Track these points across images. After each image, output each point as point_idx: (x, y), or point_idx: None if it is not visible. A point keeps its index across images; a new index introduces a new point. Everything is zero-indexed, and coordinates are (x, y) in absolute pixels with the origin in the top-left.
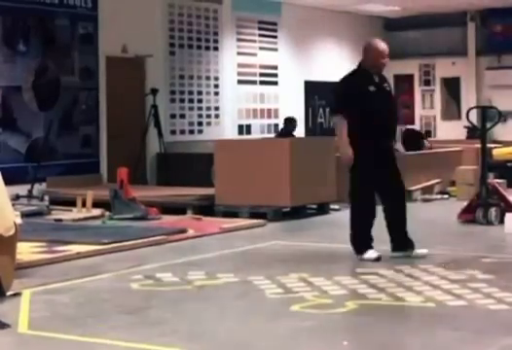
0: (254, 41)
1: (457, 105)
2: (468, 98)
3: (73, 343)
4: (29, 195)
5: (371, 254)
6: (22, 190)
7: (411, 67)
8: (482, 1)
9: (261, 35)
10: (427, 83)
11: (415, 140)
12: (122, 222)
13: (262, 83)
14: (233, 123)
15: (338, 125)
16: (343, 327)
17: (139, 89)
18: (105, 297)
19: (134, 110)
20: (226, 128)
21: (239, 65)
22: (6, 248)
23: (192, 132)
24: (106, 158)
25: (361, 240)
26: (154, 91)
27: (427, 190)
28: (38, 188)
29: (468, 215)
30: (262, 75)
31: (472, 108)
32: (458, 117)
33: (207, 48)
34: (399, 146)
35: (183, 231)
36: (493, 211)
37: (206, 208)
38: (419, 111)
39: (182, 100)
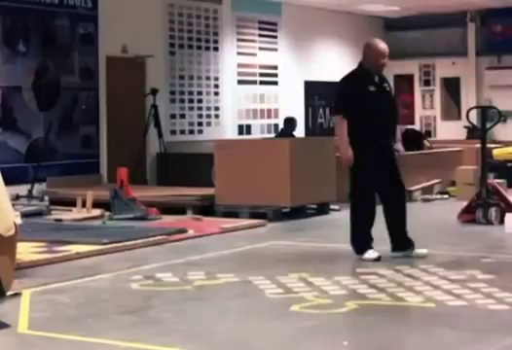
0: (254, 41)
1: (456, 105)
2: (468, 98)
3: (73, 343)
4: (29, 196)
5: (371, 254)
6: (22, 190)
7: (411, 67)
8: (482, 1)
9: (261, 35)
10: (427, 83)
11: (415, 140)
12: (122, 222)
13: (262, 83)
14: (233, 124)
15: (338, 125)
16: (343, 327)
17: (139, 90)
18: (105, 297)
19: (134, 110)
20: (226, 128)
21: (239, 65)
22: (6, 248)
23: (192, 132)
24: (106, 159)
25: (361, 240)
26: (154, 91)
27: (427, 190)
28: (38, 188)
29: (468, 215)
30: (262, 75)
31: (472, 108)
32: (458, 117)
33: (207, 48)
34: (399, 146)
35: (183, 231)
36: (493, 211)
37: (206, 208)
38: (419, 111)
39: (182, 100)
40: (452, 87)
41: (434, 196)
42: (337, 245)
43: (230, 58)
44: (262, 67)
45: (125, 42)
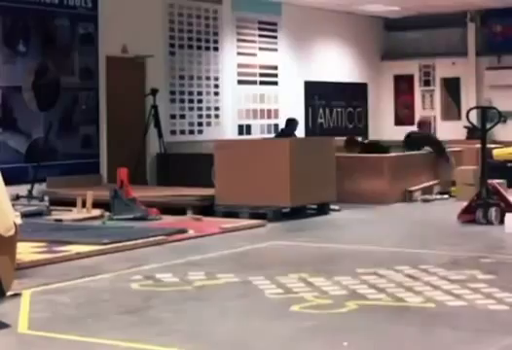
0: (254, 41)
1: (456, 105)
2: (468, 98)
3: (73, 343)
4: (29, 196)
5: None
6: (22, 190)
7: (411, 67)
8: (482, 1)
9: (261, 35)
10: (427, 83)
11: (422, 144)
12: (122, 222)
13: (262, 83)
14: (233, 124)
15: None
16: (343, 327)
17: (139, 90)
18: (105, 297)
19: (134, 110)
20: (226, 129)
21: (239, 65)
22: (6, 248)
23: (192, 132)
24: (106, 159)
25: None
26: (154, 92)
27: (427, 190)
28: (38, 188)
29: (468, 215)
30: (262, 75)
31: (472, 108)
32: (458, 117)
33: (207, 48)
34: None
35: (183, 232)
36: (493, 211)
37: (206, 208)
38: (419, 111)
39: (182, 100)
40: (452, 87)
41: (434, 197)
42: (337, 245)
43: (230, 58)
44: (262, 67)
45: (125, 42)
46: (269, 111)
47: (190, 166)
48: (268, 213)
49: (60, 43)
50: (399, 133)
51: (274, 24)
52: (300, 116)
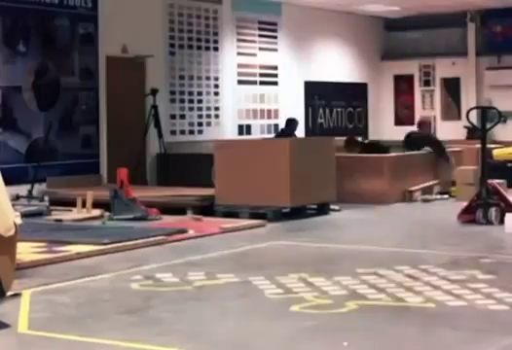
0: (254, 41)
1: (456, 105)
2: (468, 98)
3: (73, 343)
4: (29, 196)
5: None
6: (22, 190)
7: (411, 67)
8: (482, 1)
9: (261, 35)
10: (427, 83)
11: (421, 144)
12: (122, 222)
13: (262, 83)
14: (233, 124)
15: None
16: (343, 327)
17: (139, 90)
18: (105, 297)
19: (134, 110)
20: (226, 129)
21: (239, 65)
22: (6, 248)
23: (192, 132)
24: (106, 159)
25: None
26: (154, 92)
27: (427, 190)
28: (38, 188)
29: (468, 215)
30: (262, 75)
31: (472, 108)
32: (458, 117)
33: (207, 48)
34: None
35: (183, 232)
36: (493, 211)
37: (206, 208)
38: (419, 111)
39: (182, 100)
40: (452, 87)
41: (434, 197)
42: (337, 245)
43: (230, 58)
44: (262, 67)
45: (125, 42)
46: (269, 111)
47: (190, 166)
48: (268, 213)
49: (60, 43)
50: (399, 133)
51: (274, 24)
52: (300, 116)
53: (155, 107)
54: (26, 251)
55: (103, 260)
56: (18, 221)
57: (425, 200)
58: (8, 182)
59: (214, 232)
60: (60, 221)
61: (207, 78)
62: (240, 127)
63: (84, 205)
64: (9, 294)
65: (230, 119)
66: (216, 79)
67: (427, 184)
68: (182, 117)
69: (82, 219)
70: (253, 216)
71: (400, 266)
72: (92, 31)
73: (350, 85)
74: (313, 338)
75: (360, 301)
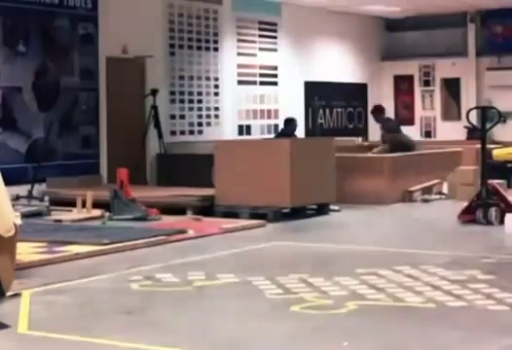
0: (254, 41)
1: (456, 106)
2: (468, 99)
3: (73, 343)
4: (29, 196)
5: None
6: (22, 190)
7: (411, 68)
8: (482, 2)
9: (261, 36)
10: (427, 83)
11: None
12: (122, 222)
13: (262, 83)
14: (233, 124)
15: None
16: (343, 327)
17: (139, 90)
18: (105, 297)
19: (134, 110)
20: (226, 129)
21: (239, 66)
22: (6, 248)
23: (192, 133)
24: (106, 159)
25: None
26: (154, 92)
27: (427, 190)
28: (38, 188)
29: (468, 215)
30: (262, 75)
31: (472, 108)
32: (458, 117)
33: (207, 48)
34: None
35: (183, 232)
36: (493, 211)
37: (206, 209)
38: (419, 111)
39: (182, 101)
40: (452, 87)
41: (433, 197)
42: (337, 245)
43: (230, 59)
44: (262, 67)
45: (125, 42)
46: (269, 111)
47: (190, 166)
48: (268, 213)
49: (60, 43)
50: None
51: (274, 24)
52: (300, 116)
53: (155, 107)
54: (26, 251)
55: (103, 260)
56: (19, 221)
57: (425, 200)
58: (8, 182)
59: (214, 233)
60: (60, 221)
61: (207, 78)
62: (240, 128)
63: (84, 205)
64: (9, 294)
65: (230, 119)
66: (216, 79)
67: (427, 184)
68: (182, 117)
69: (82, 219)
70: (253, 216)
71: (400, 267)
72: (92, 31)
73: (350, 85)
74: (313, 339)
75: (360, 302)
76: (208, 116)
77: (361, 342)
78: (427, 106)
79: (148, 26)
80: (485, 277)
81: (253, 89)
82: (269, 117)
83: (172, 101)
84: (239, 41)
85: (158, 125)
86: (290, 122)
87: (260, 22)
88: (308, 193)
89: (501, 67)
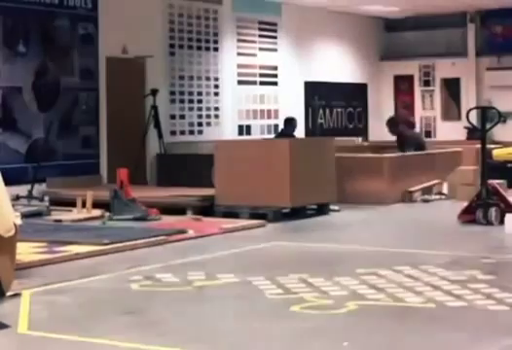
0: (254, 41)
1: (456, 106)
2: (468, 99)
3: (73, 343)
4: (29, 196)
5: None
6: (22, 190)
7: (411, 68)
8: (482, 2)
9: (261, 36)
10: (427, 83)
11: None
12: (122, 222)
13: (262, 83)
14: (233, 124)
15: None
16: (343, 327)
17: (139, 90)
18: (105, 297)
19: (134, 111)
20: (226, 129)
21: (239, 66)
22: (6, 248)
23: (192, 133)
24: (106, 159)
25: None
26: (154, 92)
27: (426, 190)
28: (38, 188)
29: (468, 215)
30: (262, 75)
31: (472, 109)
32: (458, 117)
33: (207, 48)
34: None
35: (183, 232)
36: (493, 211)
37: (206, 209)
38: (419, 112)
39: (182, 101)
40: (452, 87)
41: (433, 197)
42: (337, 245)
43: (230, 59)
44: (262, 67)
45: (125, 42)
46: (269, 111)
47: (190, 166)
48: (268, 213)
49: (60, 43)
50: None
51: (274, 25)
52: (300, 116)
53: (155, 107)
54: (26, 251)
55: (103, 260)
56: (19, 221)
57: (425, 201)
58: (8, 182)
59: (214, 233)
60: (60, 221)
61: (207, 78)
62: (240, 128)
63: (84, 205)
64: (9, 294)
65: (230, 119)
66: (216, 79)
67: (427, 184)
68: (182, 117)
69: (82, 219)
70: (253, 216)
71: (400, 267)
72: (92, 31)
73: (350, 85)
74: (314, 339)
75: (360, 302)
76: (208, 116)
77: (361, 342)
78: (427, 106)
79: (148, 26)
80: (485, 277)
81: (253, 89)
82: (269, 117)
83: (172, 101)
84: (239, 41)
85: (158, 125)
86: (290, 122)
87: (260, 22)
88: (308, 193)
89: (501, 67)
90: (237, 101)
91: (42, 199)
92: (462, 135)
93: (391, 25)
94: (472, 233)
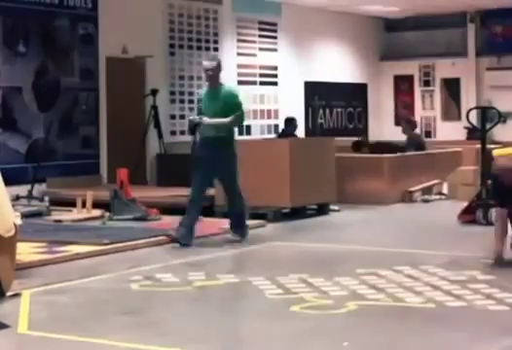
0: (254, 41)
1: (456, 106)
2: (468, 99)
3: (73, 343)
4: (29, 196)
5: None
6: (22, 190)
7: (411, 68)
8: (481, 2)
9: (261, 36)
10: (427, 83)
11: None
12: (122, 222)
13: (262, 83)
14: None
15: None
16: (343, 327)
17: (139, 90)
18: (105, 297)
19: (134, 111)
20: None
21: (239, 66)
22: (6, 248)
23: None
24: (106, 159)
25: None
26: (154, 92)
27: (426, 190)
28: (38, 188)
29: (468, 215)
30: (262, 76)
31: (472, 109)
32: (458, 117)
33: (207, 48)
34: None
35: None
36: (493, 212)
37: (206, 209)
38: (419, 112)
39: (182, 101)
40: (452, 87)
41: (433, 197)
42: (337, 245)
43: (230, 59)
44: (262, 68)
45: (125, 42)
46: (269, 111)
47: (190, 167)
48: (268, 213)
49: (60, 43)
50: (399, 133)
51: (274, 25)
52: (300, 116)
53: (155, 107)
54: (26, 251)
55: (103, 260)
56: (19, 221)
57: (425, 201)
58: (8, 182)
59: (214, 233)
60: (60, 221)
61: None
62: (240, 128)
63: (84, 205)
64: (9, 294)
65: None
66: None
67: (427, 184)
68: (182, 117)
69: (82, 219)
70: (253, 216)
71: (400, 267)
72: (92, 31)
73: (350, 85)
74: (313, 339)
75: (360, 302)
76: None
77: (361, 342)
78: (427, 106)
79: (148, 26)
80: (485, 277)
81: (253, 89)
82: (269, 117)
83: (172, 101)
84: (239, 41)
85: (158, 125)
86: (291, 122)
87: (260, 22)
88: (308, 193)
89: (501, 67)
90: None
91: (42, 199)
92: (462, 135)
93: (391, 25)
94: (472, 234)
